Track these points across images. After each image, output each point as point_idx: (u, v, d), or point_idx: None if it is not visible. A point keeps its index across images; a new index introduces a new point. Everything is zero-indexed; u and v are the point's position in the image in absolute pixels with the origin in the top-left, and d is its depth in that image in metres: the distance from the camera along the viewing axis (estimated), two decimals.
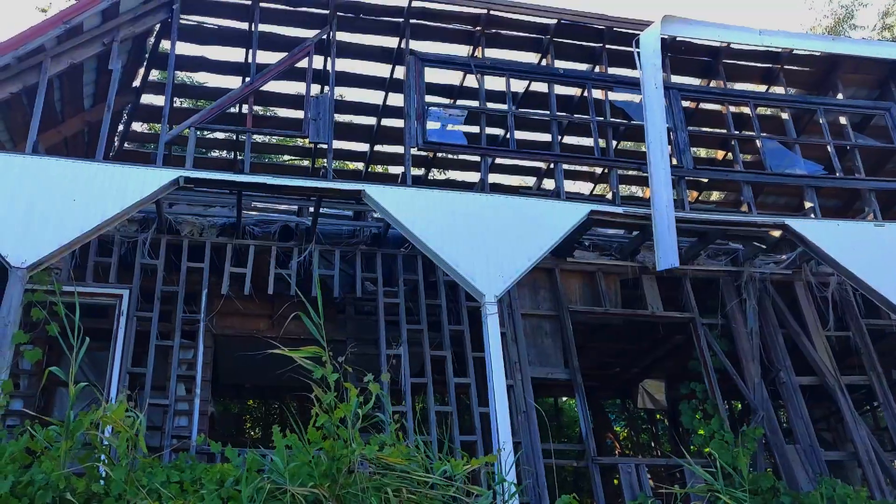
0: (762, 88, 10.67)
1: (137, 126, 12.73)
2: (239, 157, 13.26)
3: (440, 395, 9.61)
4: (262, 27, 8.70)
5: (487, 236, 7.63)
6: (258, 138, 12.21)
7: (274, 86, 9.95)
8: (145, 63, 9.28)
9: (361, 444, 5.41)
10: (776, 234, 8.92)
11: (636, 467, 8.56)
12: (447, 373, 8.42)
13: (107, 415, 5.19)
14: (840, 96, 10.45)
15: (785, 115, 10.02)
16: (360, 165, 12.50)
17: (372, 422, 6.10)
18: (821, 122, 9.89)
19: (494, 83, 9.65)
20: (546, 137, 10.47)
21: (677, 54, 9.93)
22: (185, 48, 9.15)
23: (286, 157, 14.34)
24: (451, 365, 8.46)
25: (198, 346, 8.15)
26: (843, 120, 10.25)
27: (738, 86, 11.22)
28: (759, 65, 10.42)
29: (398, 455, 5.21)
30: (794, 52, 10.12)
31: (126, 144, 11.30)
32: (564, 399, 16.54)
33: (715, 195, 12.97)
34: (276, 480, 5.28)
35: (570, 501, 6.15)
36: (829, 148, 9.73)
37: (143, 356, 8.00)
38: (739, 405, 13.01)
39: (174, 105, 10.21)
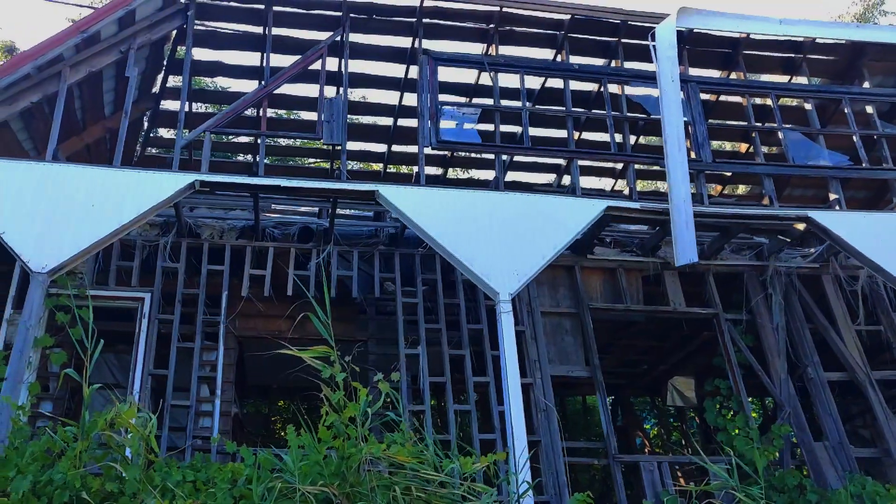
0: (785, 79, 10.47)
1: (164, 132, 12.98)
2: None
3: (464, 395, 9.60)
4: (276, 31, 8.80)
5: (502, 234, 7.60)
6: (283, 141, 12.39)
7: (292, 89, 10.06)
8: (164, 69, 9.42)
9: (375, 443, 5.45)
10: (800, 226, 8.74)
11: (658, 465, 8.45)
12: (466, 372, 8.41)
13: (119, 415, 5.28)
14: (866, 84, 10.23)
15: (808, 106, 9.83)
16: (380, 166, 12.54)
17: (383, 420, 6.13)
18: (846, 111, 9.69)
19: (510, 81, 9.64)
20: (565, 134, 10.41)
21: (695, 46, 9.82)
22: (201, 53, 9.29)
23: (310, 160, 14.47)
24: (469, 364, 8.44)
25: (218, 347, 8.26)
26: (869, 109, 10.02)
27: (763, 77, 11.06)
28: (780, 55, 10.24)
29: (404, 453, 5.21)
30: (817, 40, 9.93)
31: (154, 150, 11.52)
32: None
33: (741, 189, 12.78)
34: (287, 479, 5.34)
35: (583, 499, 6.12)
36: (854, 138, 9.53)
37: (167, 358, 8.12)
38: (773, 402, 12.80)
39: (194, 110, 10.39)
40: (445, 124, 9.03)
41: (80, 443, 5.34)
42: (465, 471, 5.45)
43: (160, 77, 9.55)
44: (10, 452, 5.48)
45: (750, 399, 14.27)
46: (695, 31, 9.51)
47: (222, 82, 14.66)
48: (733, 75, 10.24)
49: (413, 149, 11.49)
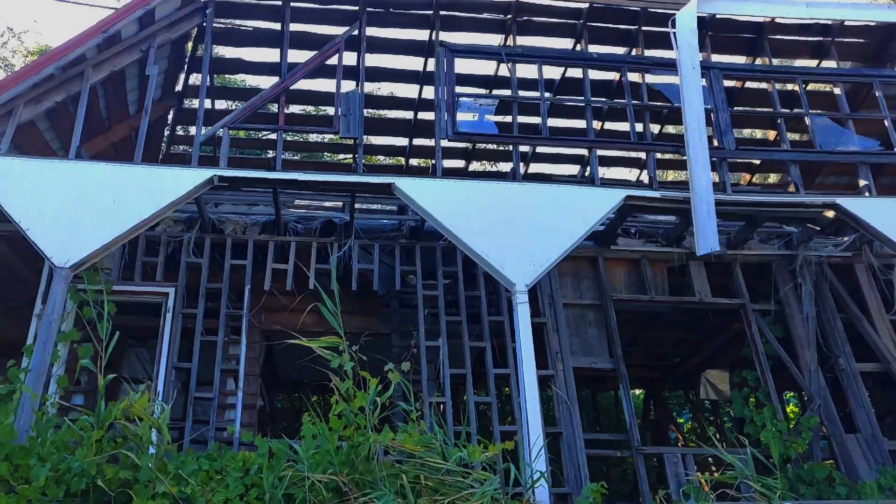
0: (813, 63, 10.24)
1: (194, 130, 13.18)
2: (292, 157, 13.60)
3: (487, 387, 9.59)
4: (294, 26, 8.87)
5: (519, 225, 7.56)
6: (313, 137, 12.47)
7: (315, 84, 10.16)
8: (185, 67, 9.56)
9: (388, 431, 5.49)
10: (829, 214, 8.54)
11: (682, 457, 8.35)
12: (486, 363, 8.40)
13: (133, 405, 5.40)
14: None
15: (837, 90, 9.58)
16: (402, 160, 12.56)
17: (394, 410, 6.16)
18: (877, 95, 9.42)
19: (530, 71, 9.58)
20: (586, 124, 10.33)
21: (718, 32, 9.64)
22: (223, 51, 9.39)
23: (340, 156, 14.58)
24: (490, 355, 8.43)
25: (241, 341, 8.37)
26: None
27: (795, 62, 10.81)
28: (808, 39, 10.02)
29: (409, 442, 5.24)
30: (846, 23, 9.68)
31: (181, 148, 11.71)
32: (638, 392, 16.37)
33: (772, 178, 12.53)
34: (299, 468, 5.41)
35: (597, 489, 6.10)
36: (886, 122, 9.26)
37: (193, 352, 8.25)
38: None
39: (220, 107, 10.52)
40: (463, 116, 8.99)
41: (96, 432, 5.48)
42: (473, 459, 5.47)
43: (182, 75, 9.69)
44: (32, 442, 5.64)
45: (790, 393, 14.08)
46: (717, 16, 9.36)
47: (254, 81, 14.84)
48: (759, 61, 10.03)
49: (433, 142, 11.52)
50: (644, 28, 9.44)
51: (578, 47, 9.53)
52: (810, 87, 10.31)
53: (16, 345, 7.67)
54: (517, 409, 8.07)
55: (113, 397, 9.53)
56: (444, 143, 8.51)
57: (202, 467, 5.76)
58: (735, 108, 9.77)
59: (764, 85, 10.20)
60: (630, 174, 12.92)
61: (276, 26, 9.01)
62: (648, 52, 9.47)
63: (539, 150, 11.26)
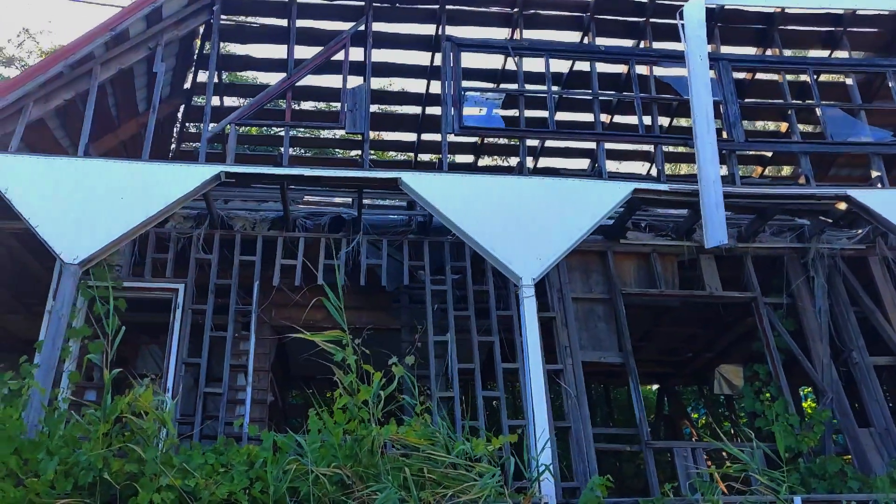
0: (825, 54, 10.12)
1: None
2: (304, 154, 13.63)
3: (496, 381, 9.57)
4: (301, 22, 8.88)
5: (525, 219, 7.55)
6: (325, 133, 12.53)
7: (320, 80, 10.15)
8: (194, 64, 9.61)
9: (394, 425, 5.50)
10: (841, 206, 8.45)
11: (692, 451, 8.30)
12: (495, 358, 8.38)
13: (137, 399, 5.44)
14: None
15: (849, 81, 9.47)
16: (411, 155, 12.57)
17: (399, 405, 6.16)
18: (890, 85, 9.30)
19: (538, 65, 9.54)
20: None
21: (728, 23, 9.56)
22: (232, 48, 9.41)
23: (353, 153, 14.62)
24: (498, 350, 8.42)
25: (250, 336, 8.40)
26: None
27: (807, 53, 10.70)
28: (819, 29, 9.91)
29: (412, 435, 5.24)
30: (858, 12, 9.57)
31: (193, 145, 11.75)
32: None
33: (786, 170, 12.41)
34: (304, 462, 5.43)
35: (603, 482, 6.09)
36: None
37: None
38: None
39: (226, 104, 10.56)
40: (470, 111, 8.97)
41: (102, 425, 5.52)
42: (476, 453, 5.47)
43: (191, 72, 9.74)
44: (42, 436, 5.70)
45: (807, 388, 13.96)
46: (726, 7, 9.28)
47: (265, 78, 14.89)
48: (769, 52, 9.94)
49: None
50: (652, 20, 9.38)
51: (586, 40, 9.49)
52: (822, 77, 10.20)
53: (30, 341, 7.76)
54: (525, 403, 8.06)
55: (125, 392, 9.64)
56: (451, 137, 8.50)
57: (208, 461, 5.79)
58: (745, 100, 9.68)
59: (775, 76, 10.11)
60: (642, 168, 12.86)
61: (283, 22, 9.03)
62: (657, 45, 9.41)
63: (548, 144, 11.24)
